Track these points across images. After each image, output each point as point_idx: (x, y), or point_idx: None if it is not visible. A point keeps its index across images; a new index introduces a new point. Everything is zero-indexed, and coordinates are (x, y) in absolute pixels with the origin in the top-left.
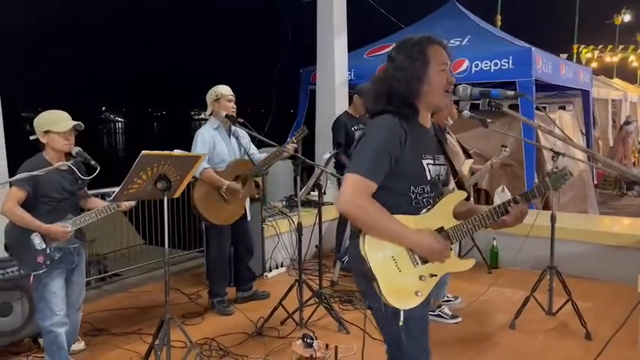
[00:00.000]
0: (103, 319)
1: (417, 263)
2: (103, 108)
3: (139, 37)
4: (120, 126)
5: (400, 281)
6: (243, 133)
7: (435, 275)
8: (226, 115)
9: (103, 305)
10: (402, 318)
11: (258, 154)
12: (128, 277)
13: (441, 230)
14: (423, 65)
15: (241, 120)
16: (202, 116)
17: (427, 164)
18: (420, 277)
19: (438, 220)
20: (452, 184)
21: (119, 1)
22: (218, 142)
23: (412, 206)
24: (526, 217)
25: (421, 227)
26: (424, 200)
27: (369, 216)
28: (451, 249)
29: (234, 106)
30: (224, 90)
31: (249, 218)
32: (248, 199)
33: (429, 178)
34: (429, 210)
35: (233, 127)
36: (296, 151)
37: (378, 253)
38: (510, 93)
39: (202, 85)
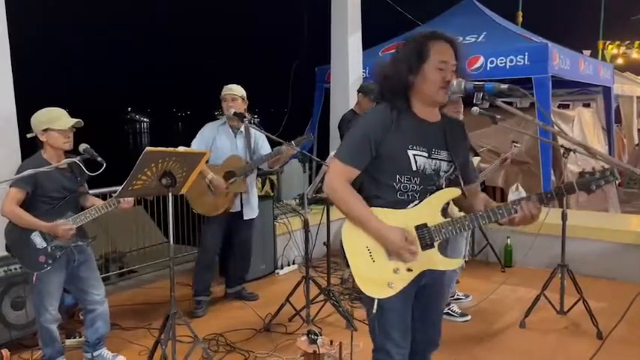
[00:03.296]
0: (116, 314)
1: (391, 256)
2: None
3: (164, 37)
4: (145, 126)
5: (373, 271)
6: (258, 134)
7: (411, 270)
8: (234, 112)
9: (117, 301)
10: (375, 305)
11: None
12: (144, 273)
13: (423, 226)
14: (420, 58)
15: (248, 118)
16: None
17: (414, 155)
18: (395, 270)
19: (422, 216)
20: (475, 183)
21: (144, 2)
22: (219, 138)
23: (397, 198)
24: (538, 218)
25: (402, 221)
26: (411, 193)
27: (338, 198)
28: (433, 245)
29: (230, 105)
30: (223, 92)
31: (244, 217)
32: (253, 197)
33: (414, 169)
34: (415, 205)
35: (242, 126)
36: (305, 156)
37: (354, 241)
38: (504, 87)
39: (225, 84)
